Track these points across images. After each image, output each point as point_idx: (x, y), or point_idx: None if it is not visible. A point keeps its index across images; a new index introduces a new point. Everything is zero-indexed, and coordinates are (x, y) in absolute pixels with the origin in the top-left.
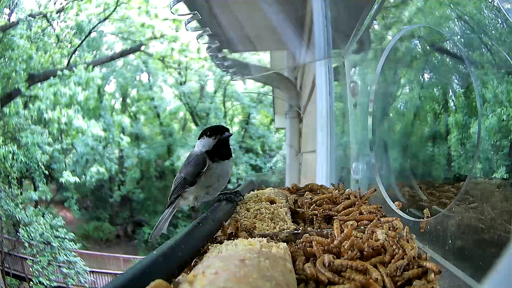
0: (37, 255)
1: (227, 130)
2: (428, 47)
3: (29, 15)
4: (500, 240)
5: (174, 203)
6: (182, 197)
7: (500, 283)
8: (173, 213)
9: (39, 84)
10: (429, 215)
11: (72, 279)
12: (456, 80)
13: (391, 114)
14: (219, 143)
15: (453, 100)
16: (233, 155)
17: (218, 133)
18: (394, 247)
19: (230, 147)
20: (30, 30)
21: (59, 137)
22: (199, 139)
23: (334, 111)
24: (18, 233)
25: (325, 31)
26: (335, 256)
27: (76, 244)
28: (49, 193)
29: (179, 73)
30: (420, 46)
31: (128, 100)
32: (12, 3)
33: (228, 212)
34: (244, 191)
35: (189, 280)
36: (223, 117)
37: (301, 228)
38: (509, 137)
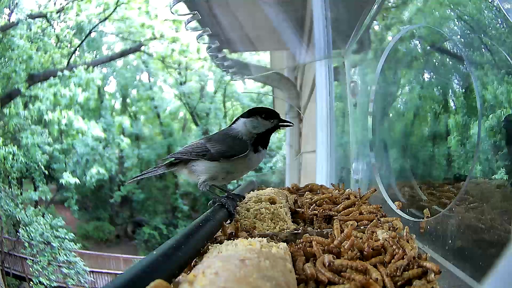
0: (37, 255)
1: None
2: (428, 47)
3: (29, 15)
4: (500, 240)
5: (176, 166)
6: (189, 167)
7: (500, 283)
8: (164, 173)
9: (39, 84)
10: (429, 215)
11: (72, 279)
12: (456, 81)
13: (391, 114)
14: (272, 130)
15: (453, 100)
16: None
17: (277, 118)
18: (394, 247)
19: None
20: (30, 30)
21: (59, 138)
22: (246, 117)
23: (334, 111)
24: (18, 233)
25: (325, 31)
26: (335, 256)
27: (76, 244)
28: (49, 193)
29: (179, 73)
30: (420, 46)
31: (128, 100)
32: (12, 3)
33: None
34: (244, 191)
35: (189, 280)
36: (223, 117)
37: (301, 228)
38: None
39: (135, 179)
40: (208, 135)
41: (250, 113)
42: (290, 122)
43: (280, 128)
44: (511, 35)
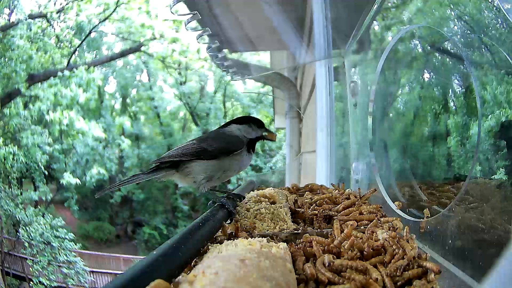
0: (37, 255)
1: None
2: (428, 47)
3: (29, 16)
4: (500, 240)
5: (162, 171)
6: (182, 170)
7: (500, 283)
8: (148, 180)
9: (39, 84)
10: (429, 215)
11: (72, 279)
12: (456, 81)
13: (391, 114)
14: (260, 138)
15: (453, 101)
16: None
17: (265, 128)
18: (394, 247)
19: None
20: (30, 30)
21: (60, 138)
22: (239, 124)
23: (334, 111)
24: (18, 233)
25: (325, 31)
26: (335, 256)
27: (76, 244)
28: (49, 193)
29: (179, 73)
30: (420, 46)
31: (128, 100)
32: (12, 3)
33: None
34: (244, 191)
35: (189, 280)
36: (223, 117)
37: (301, 228)
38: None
39: (108, 190)
40: (198, 137)
41: (242, 121)
42: (273, 134)
43: (263, 139)
44: (511, 35)
